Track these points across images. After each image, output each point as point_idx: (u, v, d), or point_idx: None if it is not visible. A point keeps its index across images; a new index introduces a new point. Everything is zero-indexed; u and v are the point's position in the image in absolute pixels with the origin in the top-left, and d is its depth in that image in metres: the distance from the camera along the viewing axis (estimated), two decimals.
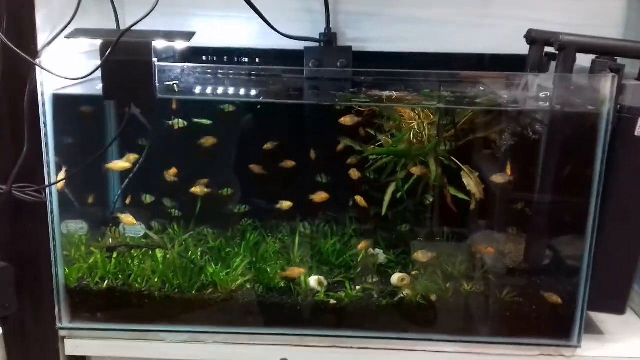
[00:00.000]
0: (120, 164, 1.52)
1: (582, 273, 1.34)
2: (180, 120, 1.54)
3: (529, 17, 1.58)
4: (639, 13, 1.68)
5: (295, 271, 1.46)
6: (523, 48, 1.50)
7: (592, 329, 1.44)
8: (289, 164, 1.62)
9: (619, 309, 1.40)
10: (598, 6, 1.69)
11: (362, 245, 1.54)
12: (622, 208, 1.33)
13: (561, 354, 1.37)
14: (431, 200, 1.57)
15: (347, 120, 1.55)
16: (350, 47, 1.70)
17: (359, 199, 1.59)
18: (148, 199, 1.60)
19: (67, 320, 1.41)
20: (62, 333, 1.40)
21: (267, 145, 1.63)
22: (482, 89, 1.45)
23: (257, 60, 1.73)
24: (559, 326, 1.37)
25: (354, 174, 1.60)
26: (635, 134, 1.29)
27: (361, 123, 1.58)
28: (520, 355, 1.37)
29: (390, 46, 1.71)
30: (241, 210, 1.63)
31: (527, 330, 1.38)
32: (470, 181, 1.50)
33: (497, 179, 1.47)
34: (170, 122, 1.54)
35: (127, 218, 1.54)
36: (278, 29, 1.63)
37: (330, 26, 1.69)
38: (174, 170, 1.59)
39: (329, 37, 1.69)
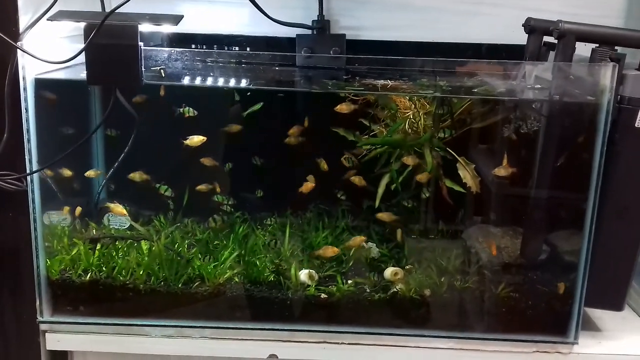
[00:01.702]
0: (196, 139, 1.49)
1: (580, 268, 1.32)
2: (190, 109, 1.52)
3: (527, 6, 1.55)
4: (639, 2, 1.66)
5: (329, 250, 1.44)
6: (521, 38, 1.47)
7: (590, 326, 1.42)
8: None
9: (617, 306, 1.37)
10: None
11: (357, 240, 1.50)
12: (622, 202, 1.30)
13: (558, 351, 1.35)
14: (427, 195, 1.53)
15: (343, 108, 1.51)
16: (344, 35, 1.66)
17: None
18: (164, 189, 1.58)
19: (48, 313, 1.38)
20: (42, 327, 1.37)
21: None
22: (479, 79, 1.42)
23: (248, 48, 1.69)
24: (556, 322, 1.35)
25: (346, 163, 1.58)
26: (636, 125, 1.26)
27: (356, 112, 1.54)
28: (516, 351, 1.35)
29: (385, 35, 1.68)
30: (220, 200, 1.59)
31: (523, 327, 1.36)
32: (466, 173, 1.47)
33: (500, 171, 1.43)
34: (181, 110, 1.51)
35: (117, 208, 1.50)
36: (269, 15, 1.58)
37: (324, 13, 1.66)
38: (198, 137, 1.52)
39: (322, 25, 1.65)
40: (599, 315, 1.45)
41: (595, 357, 1.35)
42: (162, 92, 1.50)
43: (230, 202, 1.60)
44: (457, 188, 1.50)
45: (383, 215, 1.52)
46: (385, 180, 1.54)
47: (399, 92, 1.46)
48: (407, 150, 1.53)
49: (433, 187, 1.54)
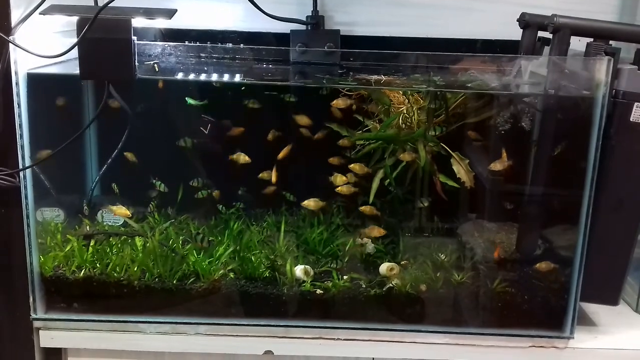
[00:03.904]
0: (242, 158, 1.54)
1: (575, 263, 1.32)
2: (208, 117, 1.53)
3: (522, 2, 1.54)
4: None
5: (375, 230, 1.46)
6: (516, 33, 1.46)
7: (585, 321, 1.42)
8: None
9: (613, 300, 1.38)
10: None
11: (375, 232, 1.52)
12: (617, 197, 1.31)
13: (554, 346, 1.34)
14: (426, 205, 1.53)
15: (339, 102, 1.51)
16: (338, 31, 1.66)
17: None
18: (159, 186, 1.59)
19: (42, 310, 1.37)
20: (36, 324, 1.36)
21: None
22: (473, 74, 1.42)
23: (242, 44, 1.68)
24: (552, 317, 1.35)
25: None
26: (630, 119, 1.26)
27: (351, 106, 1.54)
28: (511, 346, 1.35)
29: (380, 30, 1.68)
30: (202, 195, 1.59)
31: (519, 321, 1.36)
32: (460, 168, 1.47)
33: (496, 166, 1.43)
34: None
35: (119, 209, 1.50)
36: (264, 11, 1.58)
37: (318, 9, 1.66)
38: None
39: (316, 20, 1.65)
40: (594, 310, 1.45)
41: (591, 352, 1.35)
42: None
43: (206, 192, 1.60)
44: (451, 183, 1.49)
45: (365, 209, 1.52)
46: (379, 176, 1.54)
47: (392, 86, 1.45)
48: (401, 145, 1.52)
49: (427, 182, 1.53)
